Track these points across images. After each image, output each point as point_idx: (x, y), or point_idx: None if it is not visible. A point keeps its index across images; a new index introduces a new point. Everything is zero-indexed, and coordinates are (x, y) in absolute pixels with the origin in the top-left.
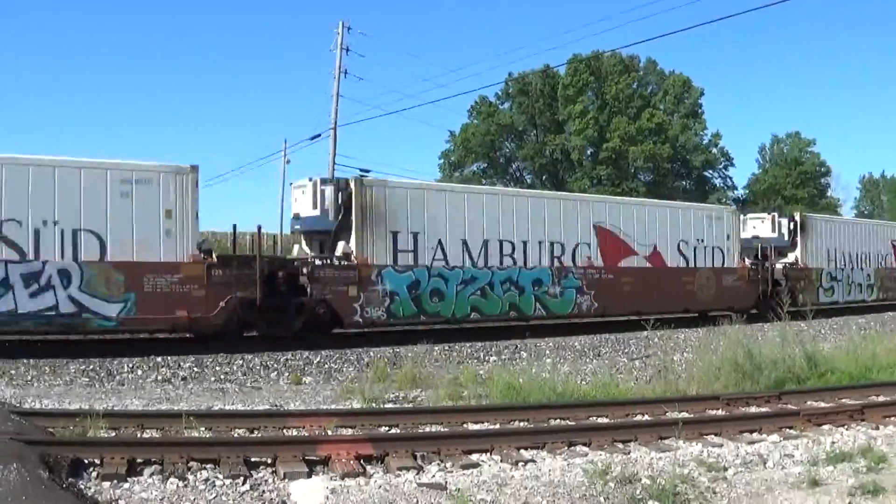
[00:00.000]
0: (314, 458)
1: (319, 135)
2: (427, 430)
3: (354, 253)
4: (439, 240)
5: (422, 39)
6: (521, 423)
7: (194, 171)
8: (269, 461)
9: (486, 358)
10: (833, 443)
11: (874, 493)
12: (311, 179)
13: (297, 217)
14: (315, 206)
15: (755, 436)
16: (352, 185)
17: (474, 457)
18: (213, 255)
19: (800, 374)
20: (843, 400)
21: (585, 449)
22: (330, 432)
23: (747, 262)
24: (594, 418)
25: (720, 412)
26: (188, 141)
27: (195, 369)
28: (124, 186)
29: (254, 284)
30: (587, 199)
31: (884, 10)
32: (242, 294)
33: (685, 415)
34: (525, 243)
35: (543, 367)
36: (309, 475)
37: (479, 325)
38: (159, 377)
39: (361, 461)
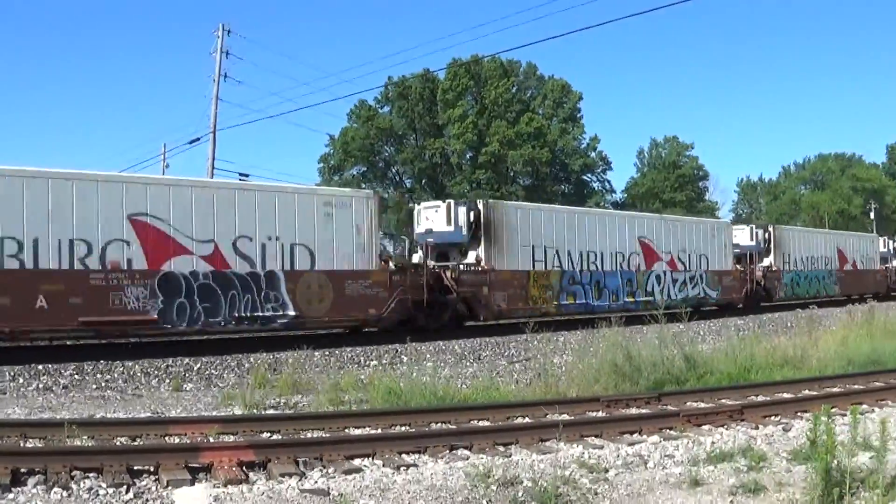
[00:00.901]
0: (197, 465)
1: (199, 138)
2: (309, 435)
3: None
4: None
5: (302, 43)
6: (403, 428)
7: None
8: (152, 469)
9: (367, 362)
10: (713, 443)
11: (755, 491)
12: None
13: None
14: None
15: (636, 437)
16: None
17: (356, 462)
18: (391, 264)
19: (679, 375)
20: (723, 400)
21: (467, 452)
22: (212, 439)
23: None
24: (475, 421)
25: (600, 414)
26: (68, 144)
27: (76, 377)
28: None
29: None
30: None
31: (759, 17)
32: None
33: (566, 417)
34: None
35: (424, 371)
36: (192, 483)
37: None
38: (41, 385)
39: (244, 468)
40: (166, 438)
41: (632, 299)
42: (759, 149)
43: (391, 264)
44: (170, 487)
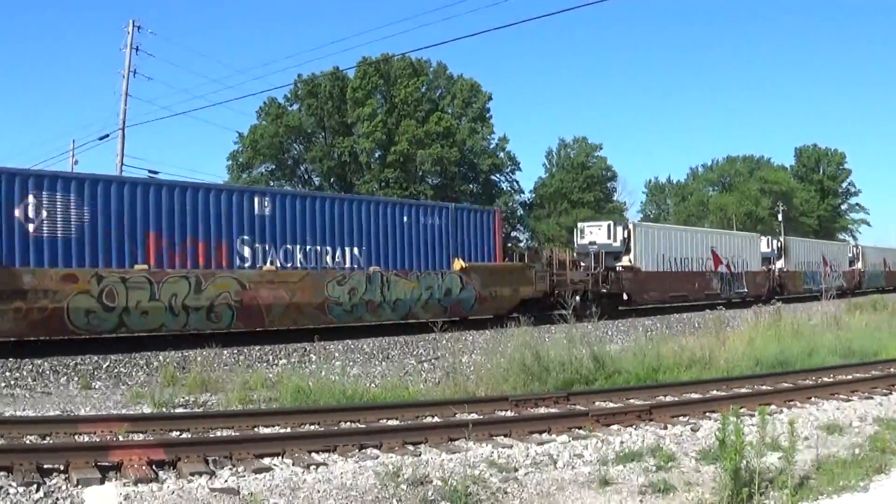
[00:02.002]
0: (107, 463)
1: (108, 135)
2: (218, 434)
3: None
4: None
5: (212, 41)
6: (313, 427)
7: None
8: (62, 468)
9: (276, 361)
10: (622, 442)
11: (664, 491)
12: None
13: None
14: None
15: (545, 436)
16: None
17: (266, 461)
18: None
19: (587, 375)
20: (631, 400)
21: (377, 451)
22: (121, 437)
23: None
24: (385, 421)
25: (509, 413)
26: None
27: None
28: None
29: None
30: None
31: (669, 19)
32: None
33: (475, 416)
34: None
35: (333, 370)
36: (102, 481)
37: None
38: None
39: (154, 466)
40: (76, 437)
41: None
42: (668, 150)
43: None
44: (80, 486)
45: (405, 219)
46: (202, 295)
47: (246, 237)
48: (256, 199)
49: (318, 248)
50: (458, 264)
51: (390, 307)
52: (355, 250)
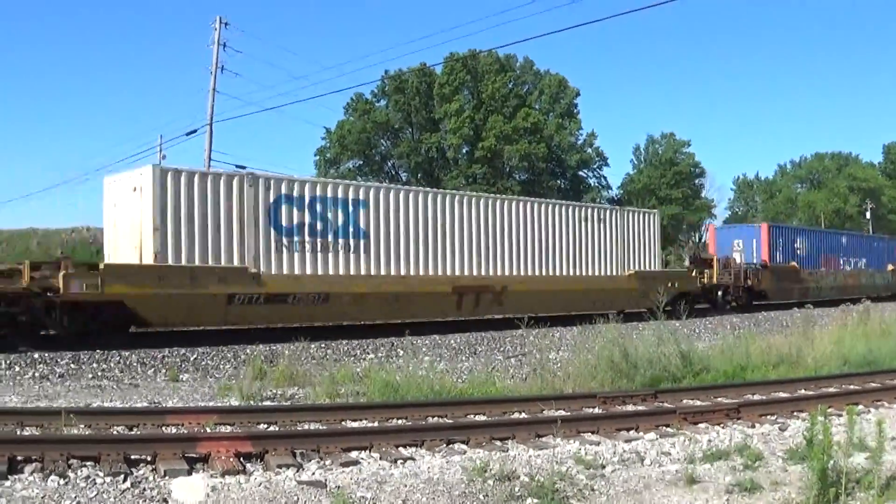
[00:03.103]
0: (194, 455)
1: (196, 130)
2: (306, 427)
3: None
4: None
5: (299, 37)
6: (400, 421)
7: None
8: (149, 459)
9: (363, 356)
10: (710, 441)
11: (751, 490)
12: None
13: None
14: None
15: (632, 434)
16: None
17: (354, 454)
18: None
19: (675, 372)
20: (719, 399)
21: (464, 447)
22: (209, 430)
23: None
24: (472, 416)
25: (597, 410)
26: (65, 136)
27: (72, 366)
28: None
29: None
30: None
31: (759, 15)
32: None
33: (562, 413)
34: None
35: (420, 365)
36: (189, 473)
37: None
38: (37, 374)
39: (241, 459)
40: (163, 428)
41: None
42: (756, 147)
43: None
44: (167, 477)
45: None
46: None
47: None
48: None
49: None
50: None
51: None
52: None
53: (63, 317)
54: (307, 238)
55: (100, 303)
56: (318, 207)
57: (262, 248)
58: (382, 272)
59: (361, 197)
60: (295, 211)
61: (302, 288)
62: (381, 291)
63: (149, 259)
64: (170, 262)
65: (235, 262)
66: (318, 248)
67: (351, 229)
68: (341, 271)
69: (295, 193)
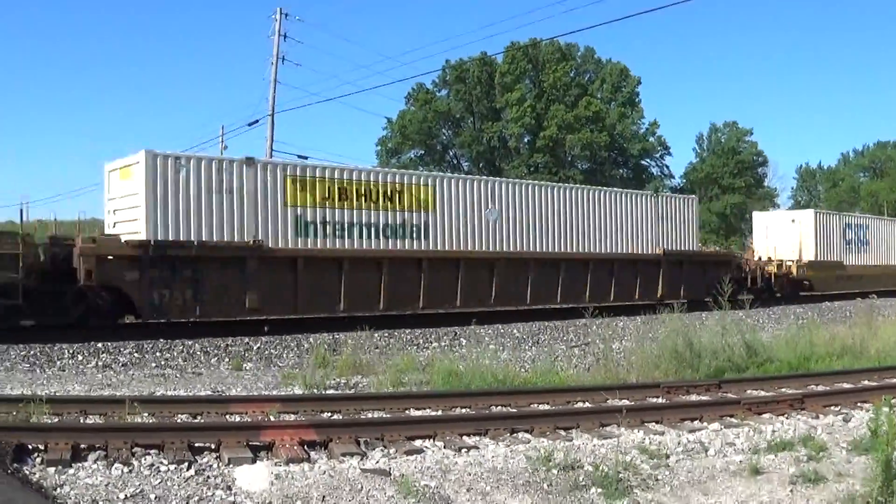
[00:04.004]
0: (258, 443)
1: (257, 121)
2: (370, 416)
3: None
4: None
5: (360, 27)
6: (464, 410)
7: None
8: (214, 447)
9: (426, 344)
10: (773, 431)
11: (815, 481)
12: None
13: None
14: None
15: (696, 424)
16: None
17: (418, 443)
18: None
19: (739, 363)
20: (783, 389)
21: (528, 436)
22: (272, 418)
23: None
24: (536, 405)
25: (661, 400)
26: (128, 126)
27: (136, 355)
28: None
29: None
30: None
31: (821, 3)
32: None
33: (626, 402)
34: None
35: (484, 354)
36: (253, 461)
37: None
38: (100, 363)
39: (305, 447)
40: (227, 417)
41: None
42: (819, 135)
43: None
44: (231, 465)
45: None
46: None
47: None
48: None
49: None
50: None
51: None
52: None
53: None
54: None
55: None
56: None
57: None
58: None
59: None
60: None
61: None
62: None
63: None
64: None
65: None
66: None
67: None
68: None
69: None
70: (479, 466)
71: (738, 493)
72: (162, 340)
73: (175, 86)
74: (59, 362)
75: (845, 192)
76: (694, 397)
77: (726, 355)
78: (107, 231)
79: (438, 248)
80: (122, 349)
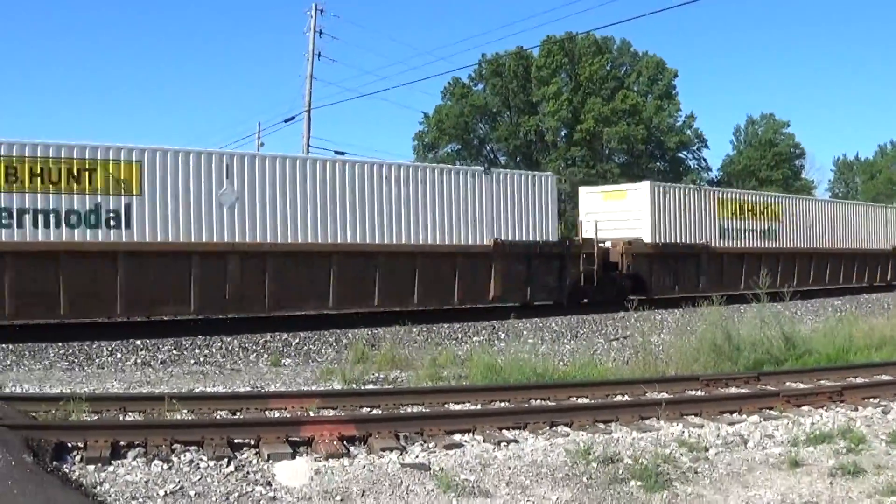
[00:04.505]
0: (297, 439)
1: (294, 117)
2: (409, 410)
3: None
4: None
5: (395, 22)
6: (503, 404)
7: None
8: (253, 442)
9: (465, 339)
10: (813, 424)
11: (854, 473)
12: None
13: None
14: None
15: (735, 416)
16: None
17: (457, 437)
18: None
19: (778, 355)
20: (822, 381)
21: (567, 429)
22: (312, 413)
23: None
24: (575, 399)
25: (700, 393)
26: (165, 122)
27: (174, 352)
28: None
29: None
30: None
31: None
32: None
33: (665, 395)
34: None
35: (522, 348)
36: (293, 456)
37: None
38: (139, 360)
39: (344, 442)
40: (266, 412)
41: None
42: (857, 127)
43: None
44: (271, 461)
45: None
46: None
47: None
48: None
49: None
50: None
51: None
52: None
53: None
54: None
55: None
56: None
57: None
58: None
59: None
60: None
61: None
62: None
63: None
64: None
65: None
66: None
67: None
68: None
69: None
70: (519, 460)
71: (778, 486)
72: (200, 337)
73: (213, 82)
74: (97, 360)
75: (882, 183)
76: (733, 390)
77: (765, 348)
78: None
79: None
80: (160, 346)
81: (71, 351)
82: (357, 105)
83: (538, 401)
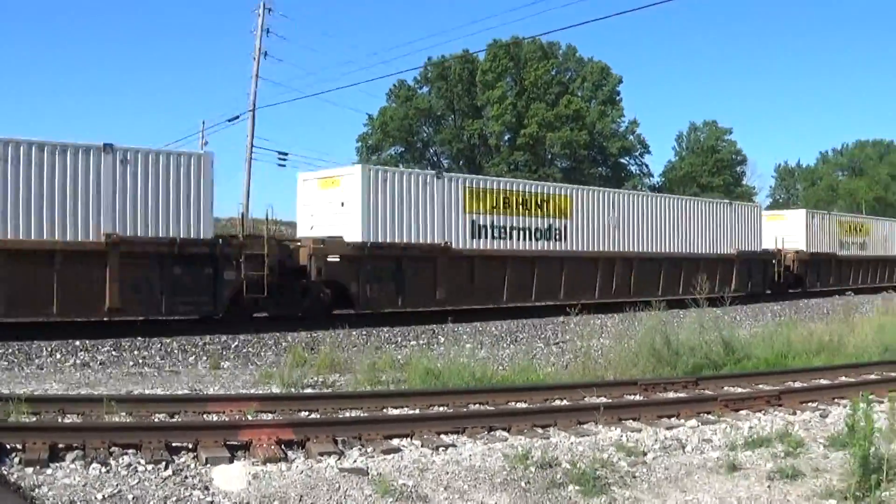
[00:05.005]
0: (235, 443)
1: (238, 116)
2: (347, 415)
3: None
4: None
5: (342, 23)
6: (441, 408)
7: None
8: (191, 446)
9: (404, 343)
10: (751, 428)
11: (793, 477)
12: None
13: None
14: None
15: (673, 421)
16: None
17: (395, 442)
18: None
19: (717, 360)
20: (760, 386)
21: (505, 434)
22: (250, 417)
23: None
24: (513, 403)
25: (638, 397)
26: (106, 120)
27: (114, 353)
28: None
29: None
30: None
31: (801, 3)
32: None
33: (604, 400)
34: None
35: (461, 352)
36: (230, 460)
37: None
38: (78, 361)
39: (282, 446)
40: (205, 416)
41: None
42: (798, 134)
43: None
44: (209, 465)
45: None
46: None
47: None
48: None
49: None
50: None
51: None
52: None
53: None
54: None
55: None
56: None
57: None
58: None
59: None
60: None
61: None
62: None
63: None
64: None
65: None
66: None
67: None
68: None
69: None
70: (457, 465)
71: (716, 490)
72: (140, 339)
73: (155, 80)
74: (37, 360)
75: (823, 190)
76: (671, 394)
77: (704, 352)
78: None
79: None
80: (100, 347)
81: (10, 350)
82: (303, 106)
83: (477, 405)
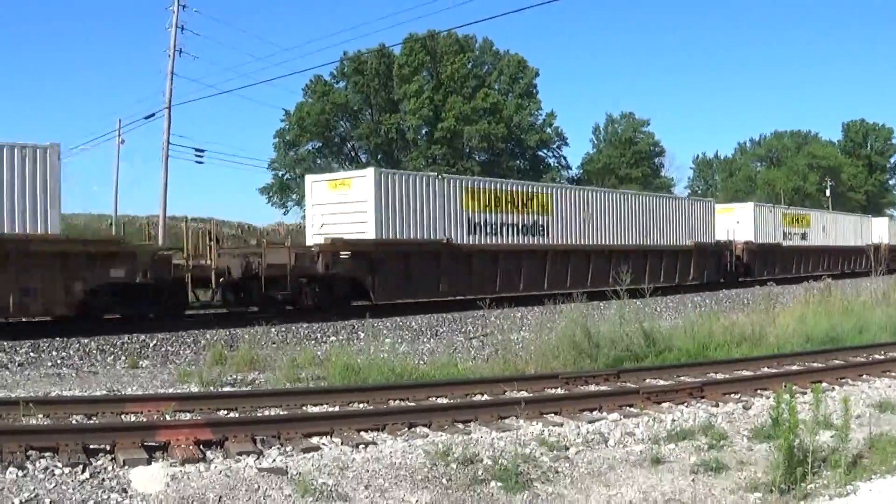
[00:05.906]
0: (153, 443)
1: (154, 114)
2: (266, 413)
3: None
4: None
5: (258, 18)
6: (361, 405)
7: None
8: (109, 448)
9: (324, 339)
10: (674, 420)
11: (717, 470)
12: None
13: None
14: None
15: (595, 414)
16: None
17: (315, 440)
18: None
19: (638, 352)
20: (683, 378)
21: (426, 430)
22: (168, 417)
23: None
24: (434, 399)
25: (560, 391)
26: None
27: (31, 354)
28: None
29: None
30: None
31: None
32: None
33: (525, 394)
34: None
35: (381, 348)
36: (148, 462)
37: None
38: None
39: (201, 446)
40: (123, 417)
41: None
42: (716, 126)
43: None
44: (126, 467)
45: None
46: None
47: None
48: None
49: None
50: None
51: None
52: None
53: None
54: None
55: None
56: None
57: None
58: None
59: None
60: None
61: None
62: None
63: None
64: None
65: None
66: None
67: None
68: None
69: None
70: (377, 462)
71: (640, 484)
72: (58, 339)
73: (69, 78)
74: None
75: (742, 181)
76: (593, 388)
77: (625, 344)
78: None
79: None
80: (17, 348)
81: None
82: (219, 102)
83: (397, 401)
